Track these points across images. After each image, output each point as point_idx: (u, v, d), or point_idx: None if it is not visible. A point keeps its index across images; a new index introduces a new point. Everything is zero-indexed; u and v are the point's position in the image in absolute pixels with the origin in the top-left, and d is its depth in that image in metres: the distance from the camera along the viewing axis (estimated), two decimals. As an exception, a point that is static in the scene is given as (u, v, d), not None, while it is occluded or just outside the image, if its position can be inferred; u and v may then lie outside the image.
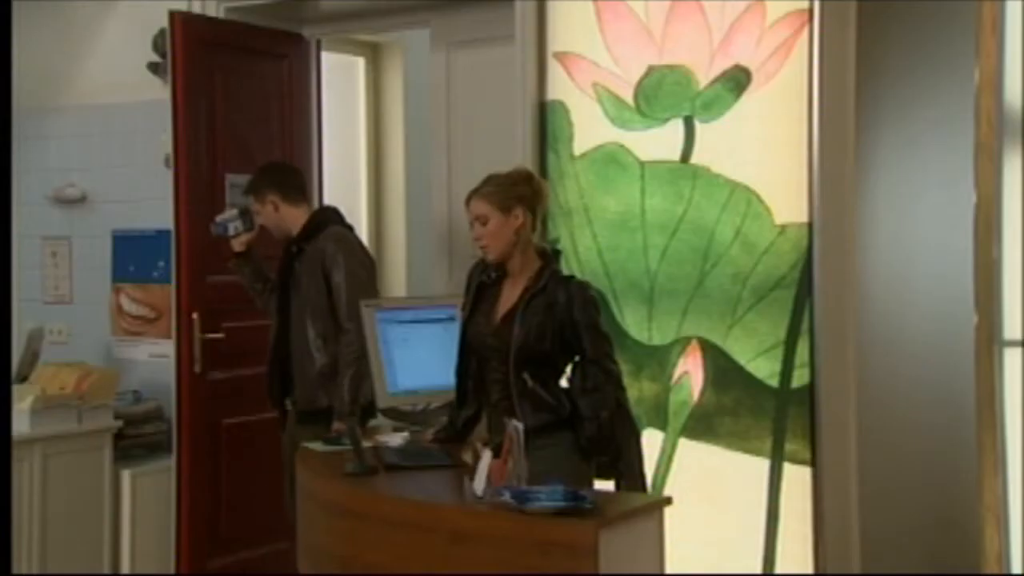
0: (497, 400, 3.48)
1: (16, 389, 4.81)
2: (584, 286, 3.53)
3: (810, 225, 3.90)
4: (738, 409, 3.96)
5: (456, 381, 3.62)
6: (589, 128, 4.21)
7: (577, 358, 3.45)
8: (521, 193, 3.48)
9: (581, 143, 4.22)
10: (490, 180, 3.51)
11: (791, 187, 3.92)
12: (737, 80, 3.97)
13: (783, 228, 3.93)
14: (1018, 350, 3.85)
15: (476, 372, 3.55)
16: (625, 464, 3.44)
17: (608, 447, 3.41)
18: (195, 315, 4.95)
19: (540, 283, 3.45)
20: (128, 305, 5.51)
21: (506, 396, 3.44)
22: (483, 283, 3.56)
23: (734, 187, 3.97)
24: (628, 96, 4.14)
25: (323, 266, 4.23)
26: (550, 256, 3.55)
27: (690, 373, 4.03)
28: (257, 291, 4.45)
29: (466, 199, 3.52)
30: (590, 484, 3.39)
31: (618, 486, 3.43)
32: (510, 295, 3.51)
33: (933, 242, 4.09)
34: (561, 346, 3.43)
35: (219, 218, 4.44)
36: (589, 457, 3.42)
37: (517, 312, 3.44)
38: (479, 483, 3.02)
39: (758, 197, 3.95)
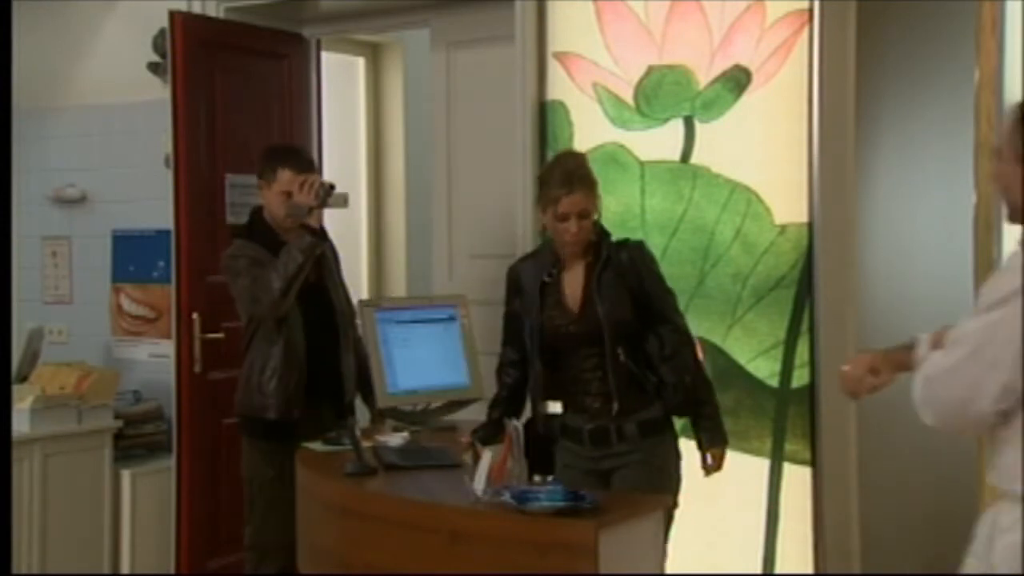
0: (594, 384, 3.43)
1: (16, 389, 4.81)
2: (641, 245, 3.55)
3: (810, 225, 3.90)
4: (738, 409, 3.96)
5: (512, 378, 3.59)
6: (589, 128, 4.21)
7: (648, 323, 3.45)
8: None
9: (581, 143, 4.22)
10: (580, 175, 3.44)
11: (791, 187, 3.92)
12: (737, 80, 3.97)
13: (783, 228, 3.93)
14: (1018, 350, 3.84)
15: (551, 365, 3.48)
16: (709, 421, 3.51)
17: (693, 410, 3.49)
18: (195, 315, 4.94)
19: (603, 256, 3.45)
20: (128, 305, 5.51)
21: (600, 378, 3.42)
22: (544, 283, 3.49)
23: (734, 187, 3.98)
24: (628, 96, 4.14)
25: (337, 263, 4.25)
26: (601, 230, 3.51)
27: (690, 373, 4.03)
28: (293, 291, 3.98)
29: (558, 194, 3.38)
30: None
31: (700, 443, 3.50)
32: (573, 281, 3.47)
33: (933, 242, 4.09)
34: (637, 312, 3.44)
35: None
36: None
37: (592, 292, 3.42)
38: (479, 483, 3.02)
39: (758, 197, 3.95)
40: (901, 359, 2.70)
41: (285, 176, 4.06)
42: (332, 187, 4.03)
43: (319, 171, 4.39)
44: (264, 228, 4.13)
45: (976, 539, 2.50)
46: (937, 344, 2.54)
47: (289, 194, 4.04)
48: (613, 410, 3.41)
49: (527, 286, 3.53)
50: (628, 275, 3.44)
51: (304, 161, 4.19)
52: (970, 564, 2.50)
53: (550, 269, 3.50)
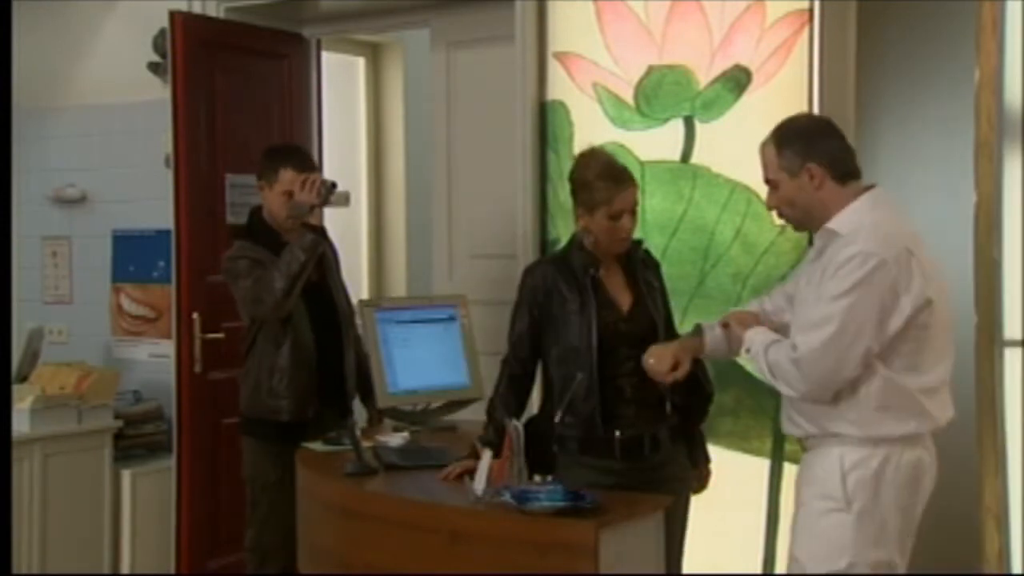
0: (628, 390, 3.32)
1: (16, 389, 4.82)
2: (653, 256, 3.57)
3: (810, 225, 3.90)
4: (738, 409, 3.96)
5: (555, 385, 3.39)
6: (589, 128, 4.20)
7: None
8: None
9: (581, 143, 4.19)
10: (620, 168, 3.37)
11: (791, 187, 3.91)
12: (737, 80, 3.97)
13: (783, 228, 3.93)
14: (1018, 350, 3.85)
15: (596, 367, 3.29)
16: (702, 436, 3.54)
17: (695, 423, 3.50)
18: (195, 315, 4.95)
19: (639, 256, 3.44)
20: (128, 305, 5.52)
21: (634, 384, 3.30)
22: (592, 277, 3.35)
23: (734, 187, 3.98)
24: (628, 96, 4.14)
25: (337, 262, 4.24)
26: None
27: (690, 373, 4.03)
28: (296, 290, 3.95)
29: (609, 193, 3.29)
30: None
31: (691, 455, 3.50)
32: (613, 279, 3.40)
33: (933, 242, 4.08)
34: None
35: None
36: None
37: (642, 289, 3.39)
38: (479, 483, 3.02)
39: (758, 197, 3.94)
40: (695, 346, 3.19)
41: (287, 176, 4.03)
42: (334, 185, 4.02)
43: (320, 171, 4.38)
44: (264, 228, 4.11)
45: (815, 483, 2.96)
46: (744, 323, 3.07)
47: (291, 194, 4.01)
48: (666, 409, 3.34)
49: (563, 285, 3.35)
50: (657, 277, 3.47)
51: (305, 160, 4.17)
52: (822, 505, 2.93)
53: (592, 267, 3.35)
